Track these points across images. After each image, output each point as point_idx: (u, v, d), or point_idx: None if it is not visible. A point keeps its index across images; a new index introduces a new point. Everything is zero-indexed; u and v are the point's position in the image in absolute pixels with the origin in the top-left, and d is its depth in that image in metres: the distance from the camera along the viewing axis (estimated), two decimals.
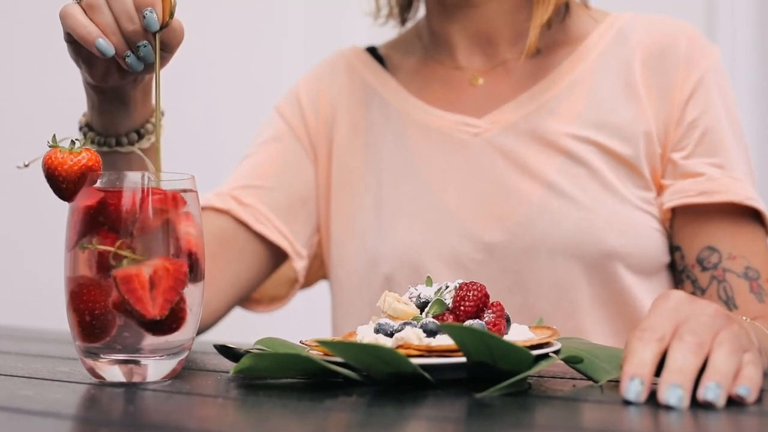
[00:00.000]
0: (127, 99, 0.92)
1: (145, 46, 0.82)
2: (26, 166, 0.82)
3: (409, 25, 1.26)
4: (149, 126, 0.96)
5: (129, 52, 0.82)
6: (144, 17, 0.80)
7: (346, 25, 2.10)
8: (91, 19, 0.81)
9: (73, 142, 0.75)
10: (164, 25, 0.82)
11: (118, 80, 0.90)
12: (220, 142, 2.00)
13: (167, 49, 0.85)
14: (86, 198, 0.75)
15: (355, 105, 1.20)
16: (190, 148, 1.80)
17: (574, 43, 1.15)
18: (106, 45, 0.80)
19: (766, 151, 2.08)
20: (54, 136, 0.76)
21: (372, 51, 1.25)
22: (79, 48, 0.86)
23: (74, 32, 0.81)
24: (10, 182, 1.81)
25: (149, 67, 0.84)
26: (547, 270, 1.06)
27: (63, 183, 0.75)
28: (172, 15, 0.82)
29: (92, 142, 0.95)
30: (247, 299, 1.21)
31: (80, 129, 0.96)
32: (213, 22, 2.23)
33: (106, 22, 0.81)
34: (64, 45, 0.87)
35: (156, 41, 0.81)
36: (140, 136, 0.96)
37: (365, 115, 1.19)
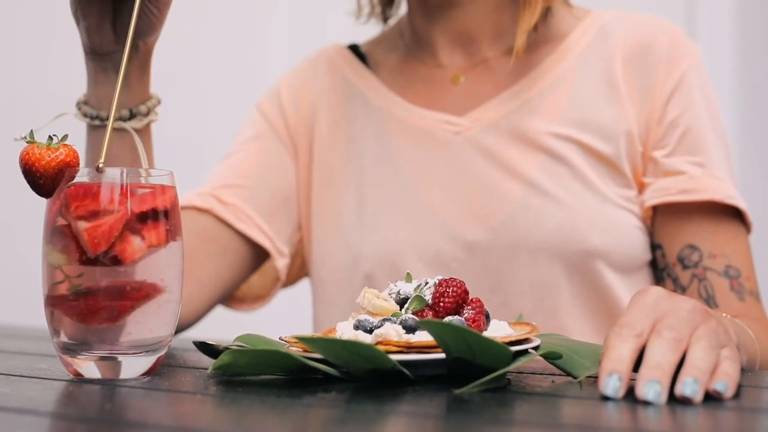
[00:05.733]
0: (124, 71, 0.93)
1: None
2: (23, 138, 0.82)
3: (392, 22, 1.26)
4: (143, 107, 0.96)
5: None
6: None
7: (330, 23, 2.10)
8: None
9: (50, 138, 0.75)
10: None
11: (112, 44, 0.91)
12: (204, 140, 2.00)
13: (156, 4, 0.86)
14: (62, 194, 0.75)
15: (336, 102, 1.20)
16: (175, 147, 1.79)
17: (555, 41, 1.15)
18: None
19: (747, 150, 2.09)
20: (32, 131, 0.75)
21: (354, 49, 1.25)
22: None
23: None
24: None
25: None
26: (529, 269, 1.07)
27: (41, 179, 0.74)
28: None
29: (85, 116, 0.95)
30: (230, 298, 1.21)
31: (77, 104, 0.97)
32: (197, 20, 2.23)
33: None
34: (67, 37, 0.87)
35: None
36: (132, 116, 0.96)
37: (346, 113, 1.19)
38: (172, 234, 0.76)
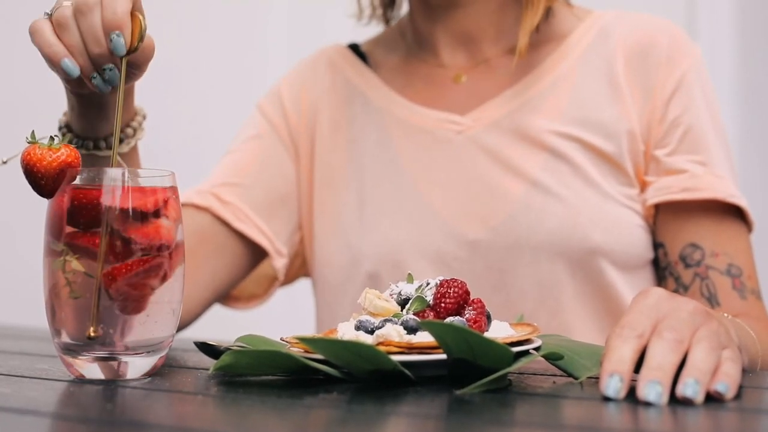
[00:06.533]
0: (105, 103, 0.91)
1: (111, 70, 0.80)
2: (5, 162, 0.81)
3: (393, 23, 1.26)
4: (129, 130, 0.95)
5: (95, 74, 0.80)
6: (111, 41, 0.78)
7: (329, 23, 2.10)
8: (59, 38, 0.79)
9: (52, 139, 0.75)
10: (132, 50, 0.79)
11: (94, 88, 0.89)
12: (204, 139, 2.00)
13: (135, 67, 0.83)
14: (64, 195, 0.75)
15: (337, 102, 1.20)
16: (175, 146, 1.80)
17: (556, 40, 1.15)
18: (72, 66, 0.78)
19: (747, 150, 2.09)
20: (33, 132, 0.75)
21: (354, 48, 1.25)
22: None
23: (41, 50, 0.79)
24: None
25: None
26: (531, 267, 1.06)
27: (42, 180, 0.74)
28: (141, 39, 0.79)
29: (70, 143, 0.94)
30: (227, 296, 1.21)
31: (60, 129, 0.96)
32: (196, 21, 2.23)
33: (74, 42, 0.79)
34: None
35: (122, 65, 0.79)
36: (120, 141, 0.95)
37: (347, 113, 1.19)
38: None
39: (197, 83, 2.22)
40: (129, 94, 0.94)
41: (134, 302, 0.74)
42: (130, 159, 0.97)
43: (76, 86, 0.87)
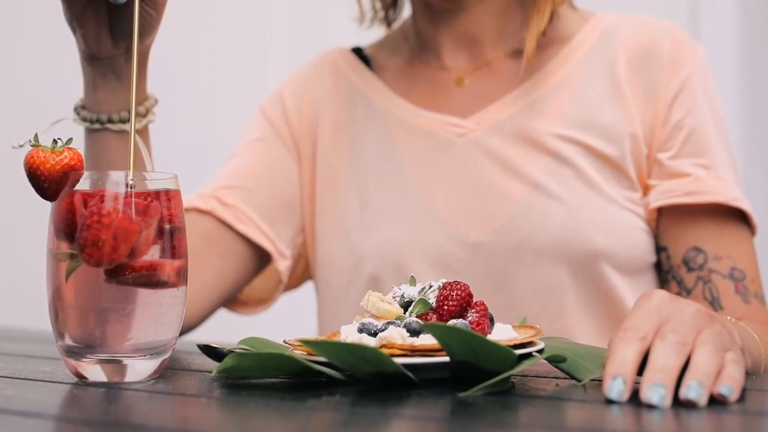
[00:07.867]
0: (121, 73, 0.93)
1: None
2: (21, 146, 0.82)
3: (395, 25, 1.26)
4: (141, 108, 0.96)
5: None
6: None
7: (331, 25, 2.10)
8: None
9: (55, 141, 0.75)
10: None
11: (111, 48, 0.91)
12: (206, 142, 2.00)
13: (152, 5, 0.86)
14: (67, 198, 0.75)
15: (339, 105, 1.20)
16: (177, 149, 1.80)
17: (559, 43, 1.15)
18: None
19: (750, 151, 2.09)
20: (36, 134, 0.75)
21: (357, 51, 1.25)
22: (72, 4, 0.87)
23: None
24: None
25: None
26: (533, 270, 1.06)
27: (45, 182, 0.74)
28: None
29: (84, 120, 0.95)
30: (233, 301, 1.20)
31: (74, 110, 0.97)
32: (199, 23, 2.23)
33: None
34: (66, 40, 0.87)
35: None
36: None
37: (349, 115, 1.19)
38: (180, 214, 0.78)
39: (197, 84, 2.22)
40: (142, 72, 0.95)
41: (153, 278, 0.74)
42: (143, 136, 0.98)
43: (94, 44, 0.90)
